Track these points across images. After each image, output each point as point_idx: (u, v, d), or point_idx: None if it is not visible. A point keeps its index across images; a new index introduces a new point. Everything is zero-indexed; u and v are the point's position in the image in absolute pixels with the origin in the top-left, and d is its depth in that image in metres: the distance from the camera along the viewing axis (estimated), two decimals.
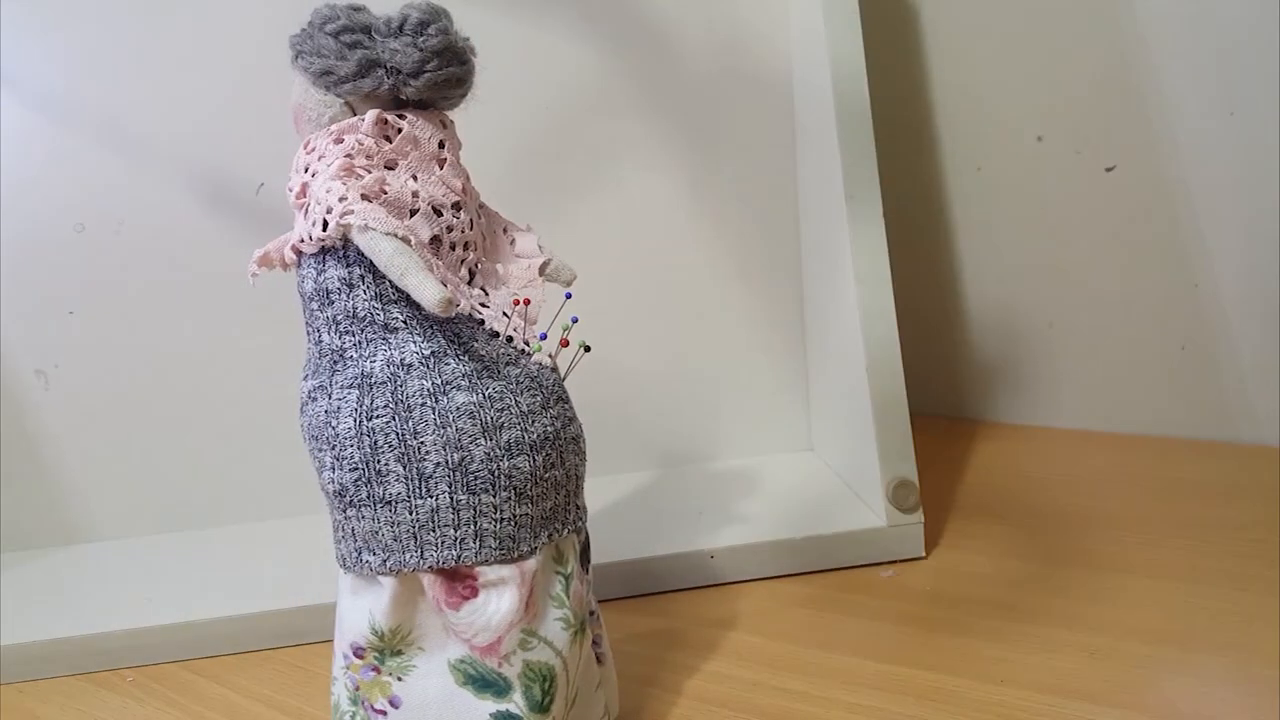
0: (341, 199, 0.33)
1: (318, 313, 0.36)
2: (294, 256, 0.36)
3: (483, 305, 0.36)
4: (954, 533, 0.58)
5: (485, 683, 0.35)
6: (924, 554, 0.55)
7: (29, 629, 0.53)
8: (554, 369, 0.38)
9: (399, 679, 0.36)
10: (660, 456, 0.71)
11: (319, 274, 0.35)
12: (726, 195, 0.69)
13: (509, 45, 0.65)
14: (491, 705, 0.35)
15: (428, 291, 0.32)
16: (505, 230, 0.40)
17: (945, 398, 0.84)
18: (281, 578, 0.57)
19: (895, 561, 0.55)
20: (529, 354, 0.37)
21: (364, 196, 0.34)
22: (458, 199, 0.37)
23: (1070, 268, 0.75)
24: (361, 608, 0.36)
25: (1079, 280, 0.75)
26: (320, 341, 0.36)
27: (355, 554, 0.35)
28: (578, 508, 0.38)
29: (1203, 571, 0.50)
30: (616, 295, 0.67)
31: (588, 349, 0.38)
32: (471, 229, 0.37)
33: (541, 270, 0.39)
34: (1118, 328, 0.73)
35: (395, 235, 0.33)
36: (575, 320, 0.38)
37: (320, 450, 0.35)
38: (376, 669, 0.36)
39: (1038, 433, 0.77)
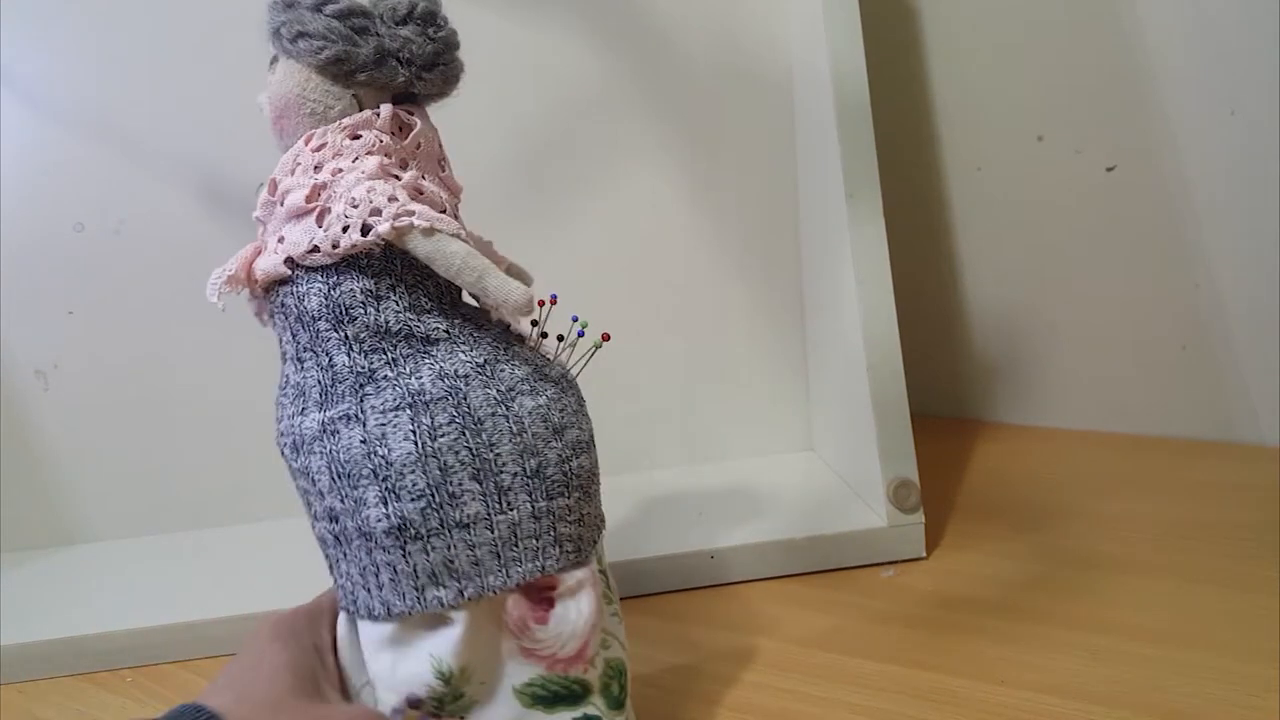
0: (392, 199, 0.30)
1: (329, 333, 0.32)
2: (285, 271, 0.32)
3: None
4: (955, 533, 0.58)
5: (557, 697, 0.33)
6: (925, 554, 0.55)
7: (29, 629, 0.53)
8: (568, 370, 0.36)
9: (461, 718, 0.33)
10: (660, 456, 0.71)
11: (331, 288, 0.31)
12: (726, 195, 0.69)
13: (509, 45, 0.65)
14: (566, 715, 0.33)
15: (513, 293, 0.30)
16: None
17: (946, 398, 0.84)
18: (281, 578, 0.57)
19: (896, 562, 0.55)
20: (557, 354, 0.36)
21: (410, 197, 0.31)
22: (457, 201, 0.35)
23: (1070, 268, 0.75)
24: (416, 655, 0.32)
25: (1079, 280, 0.74)
26: (331, 365, 0.32)
27: (417, 593, 0.31)
28: (600, 505, 0.37)
29: (1203, 571, 0.50)
30: (616, 295, 0.67)
31: (604, 342, 0.38)
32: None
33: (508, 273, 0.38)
34: (1118, 328, 0.73)
35: (460, 236, 0.31)
36: (576, 319, 0.38)
37: (356, 487, 0.31)
38: (436, 715, 0.32)
39: (1038, 433, 0.77)
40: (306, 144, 0.32)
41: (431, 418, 0.31)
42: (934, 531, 0.57)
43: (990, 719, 0.39)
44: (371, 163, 0.31)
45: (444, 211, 0.32)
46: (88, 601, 0.58)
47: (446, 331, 0.32)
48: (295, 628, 0.34)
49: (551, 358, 0.36)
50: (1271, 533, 0.53)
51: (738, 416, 0.71)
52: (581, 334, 0.37)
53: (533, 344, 0.36)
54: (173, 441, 0.68)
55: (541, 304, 0.35)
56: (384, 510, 0.31)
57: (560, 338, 0.37)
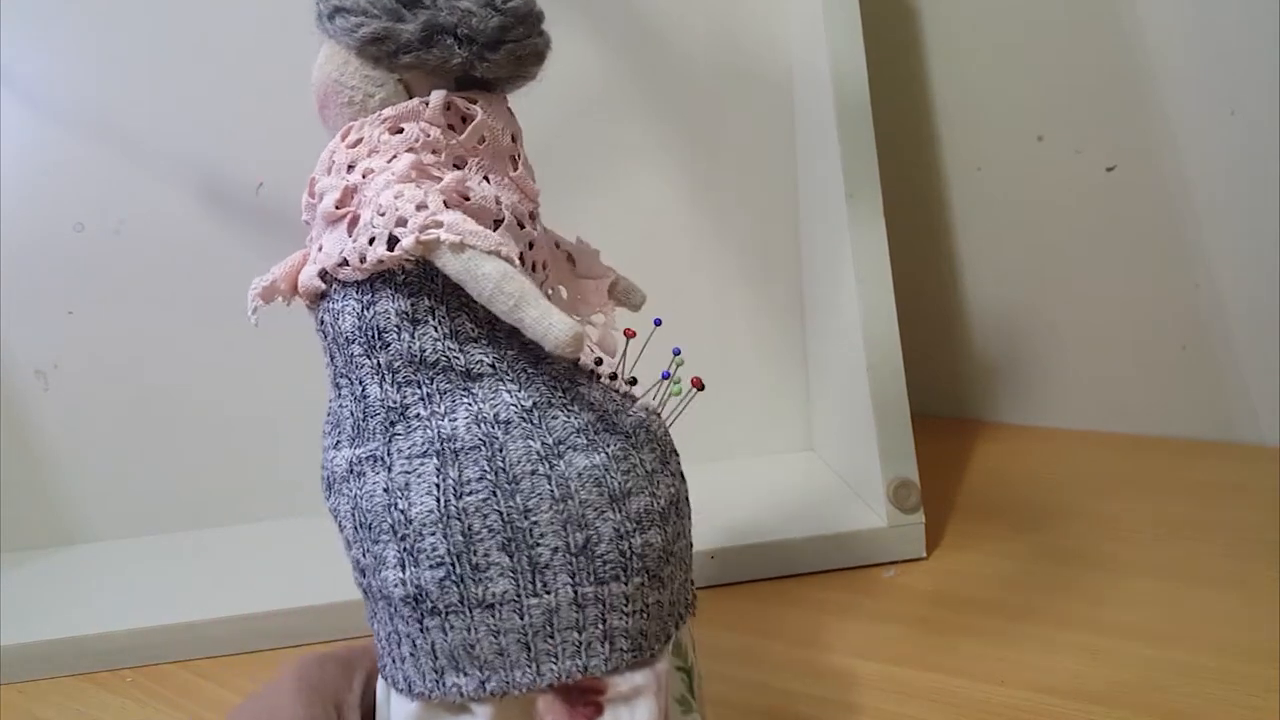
0: (421, 207, 0.26)
1: (361, 358, 0.27)
2: (320, 285, 0.27)
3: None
4: (955, 533, 0.58)
5: None
6: (925, 554, 0.55)
7: (29, 629, 0.53)
8: (657, 413, 0.30)
9: None
10: None
11: (365, 308, 0.26)
12: (726, 195, 0.69)
13: None
14: None
15: (554, 327, 0.25)
16: (558, 245, 0.33)
17: (946, 398, 0.83)
18: (281, 578, 0.57)
19: (896, 562, 0.55)
20: (639, 395, 0.30)
21: (445, 204, 0.26)
22: (534, 206, 0.30)
23: (1070, 268, 0.75)
24: None
25: (1079, 280, 0.74)
26: (364, 396, 0.27)
27: (435, 675, 0.26)
28: (691, 585, 0.30)
29: (1203, 571, 0.50)
30: None
31: (701, 388, 0.31)
32: (542, 246, 0.30)
33: (610, 292, 0.32)
34: (1118, 328, 0.73)
35: (499, 254, 0.26)
36: (678, 352, 0.31)
37: (376, 542, 0.26)
38: None
39: (1038, 433, 0.77)
40: (343, 139, 0.28)
41: (460, 470, 0.26)
42: (934, 531, 0.57)
43: (990, 719, 0.40)
44: (405, 162, 0.26)
45: (500, 221, 0.27)
46: (88, 601, 0.58)
47: (493, 365, 0.27)
48: (322, 681, 0.31)
49: (637, 399, 0.30)
50: (1271, 533, 0.53)
51: (738, 416, 0.71)
52: (666, 375, 0.30)
53: (615, 384, 0.29)
54: (173, 441, 0.68)
55: (628, 335, 0.30)
56: (401, 575, 0.26)
57: (634, 380, 0.30)
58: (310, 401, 0.72)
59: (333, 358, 0.28)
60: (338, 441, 0.27)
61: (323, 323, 0.28)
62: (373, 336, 0.26)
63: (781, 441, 0.72)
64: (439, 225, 0.25)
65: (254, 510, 0.68)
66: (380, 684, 0.29)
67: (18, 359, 0.67)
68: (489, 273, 0.25)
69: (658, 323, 0.31)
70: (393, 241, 0.25)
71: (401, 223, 0.25)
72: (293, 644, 0.52)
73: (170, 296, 0.66)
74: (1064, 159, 0.73)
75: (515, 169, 0.29)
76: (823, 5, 0.59)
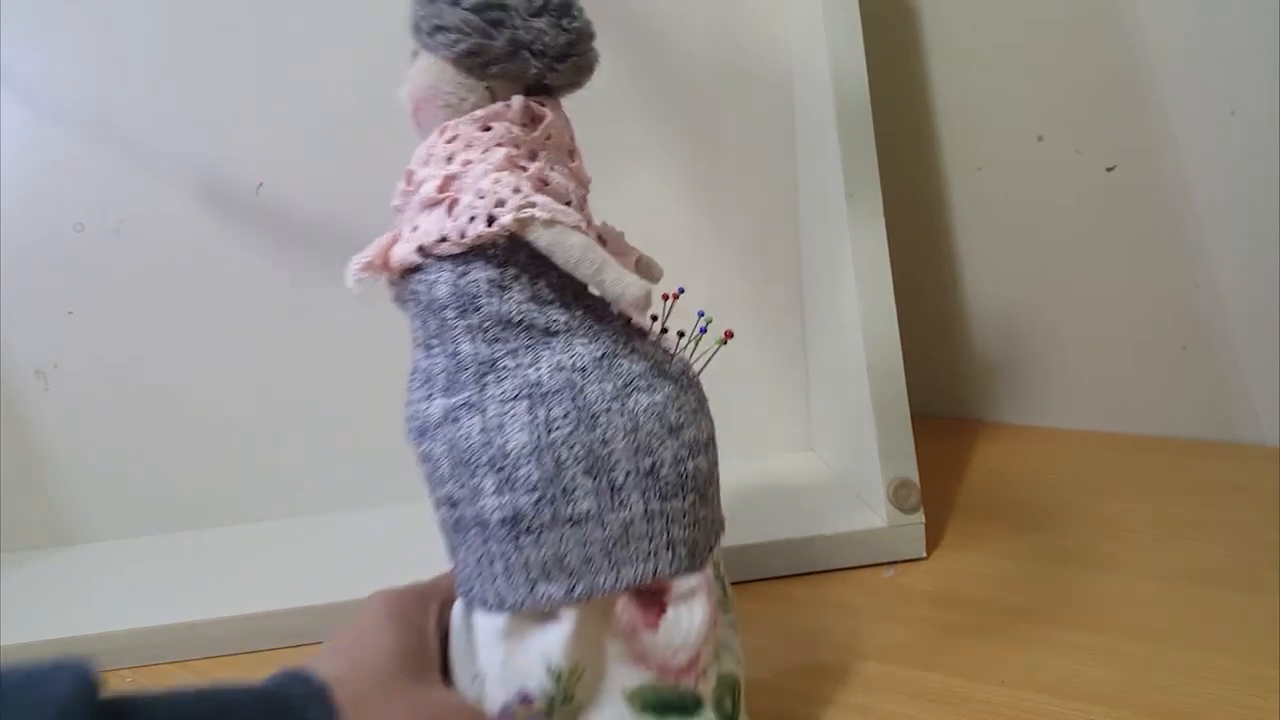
0: (516, 191, 0.30)
1: (455, 320, 0.32)
2: (417, 259, 0.32)
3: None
4: (955, 533, 0.58)
5: (668, 706, 0.32)
6: (925, 554, 0.55)
7: (29, 629, 0.53)
8: (691, 366, 0.35)
9: None
10: None
11: (459, 277, 0.31)
12: (726, 195, 0.69)
13: None
14: None
15: (629, 287, 0.30)
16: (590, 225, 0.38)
17: (946, 398, 0.84)
18: (281, 578, 0.57)
19: (896, 562, 0.55)
20: (678, 350, 0.35)
21: (534, 189, 0.31)
22: (585, 192, 0.35)
23: (1070, 268, 0.75)
24: (527, 651, 0.31)
25: (1079, 280, 0.75)
26: (457, 353, 0.32)
27: (528, 587, 0.31)
28: (720, 508, 0.36)
29: (1203, 571, 0.50)
30: None
31: (729, 339, 0.37)
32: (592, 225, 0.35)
33: (635, 266, 0.37)
34: (1118, 328, 0.73)
35: (580, 229, 0.31)
36: (702, 314, 0.37)
37: (474, 475, 0.31)
38: (547, 717, 0.32)
39: (1038, 433, 0.77)
40: (440, 135, 0.33)
41: (548, 409, 0.30)
42: (934, 531, 0.57)
43: (990, 719, 0.40)
44: (499, 154, 0.31)
45: (569, 203, 0.32)
46: (88, 601, 0.58)
47: (566, 324, 0.32)
48: (406, 608, 0.34)
49: (674, 354, 0.35)
50: (1271, 533, 0.53)
51: (738, 416, 0.71)
52: (704, 330, 0.36)
53: (655, 339, 0.35)
54: (173, 441, 0.68)
55: (666, 298, 0.35)
56: (499, 500, 0.31)
57: (681, 333, 0.36)
58: (310, 401, 0.73)
59: (424, 322, 0.32)
60: (430, 394, 0.32)
61: (414, 292, 0.32)
62: (465, 302, 0.31)
63: (781, 441, 0.72)
64: (533, 205, 0.30)
65: (254, 510, 0.68)
66: (457, 610, 0.34)
67: (18, 359, 0.67)
68: (575, 243, 0.30)
69: (681, 291, 0.37)
70: (490, 220, 0.30)
71: (500, 204, 0.30)
72: (293, 644, 0.52)
73: (170, 296, 0.66)
74: (1064, 159, 0.73)
75: (574, 160, 0.34)
76: (823, 5, 0.59)
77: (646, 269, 0.37)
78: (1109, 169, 0.71)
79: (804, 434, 0.72)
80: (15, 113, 0.64)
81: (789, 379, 0.71)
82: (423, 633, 0.33)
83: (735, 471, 0.69)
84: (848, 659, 0.45)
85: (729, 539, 0.55)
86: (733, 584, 0.54)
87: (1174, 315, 0.70)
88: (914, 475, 0.55)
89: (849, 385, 0.60)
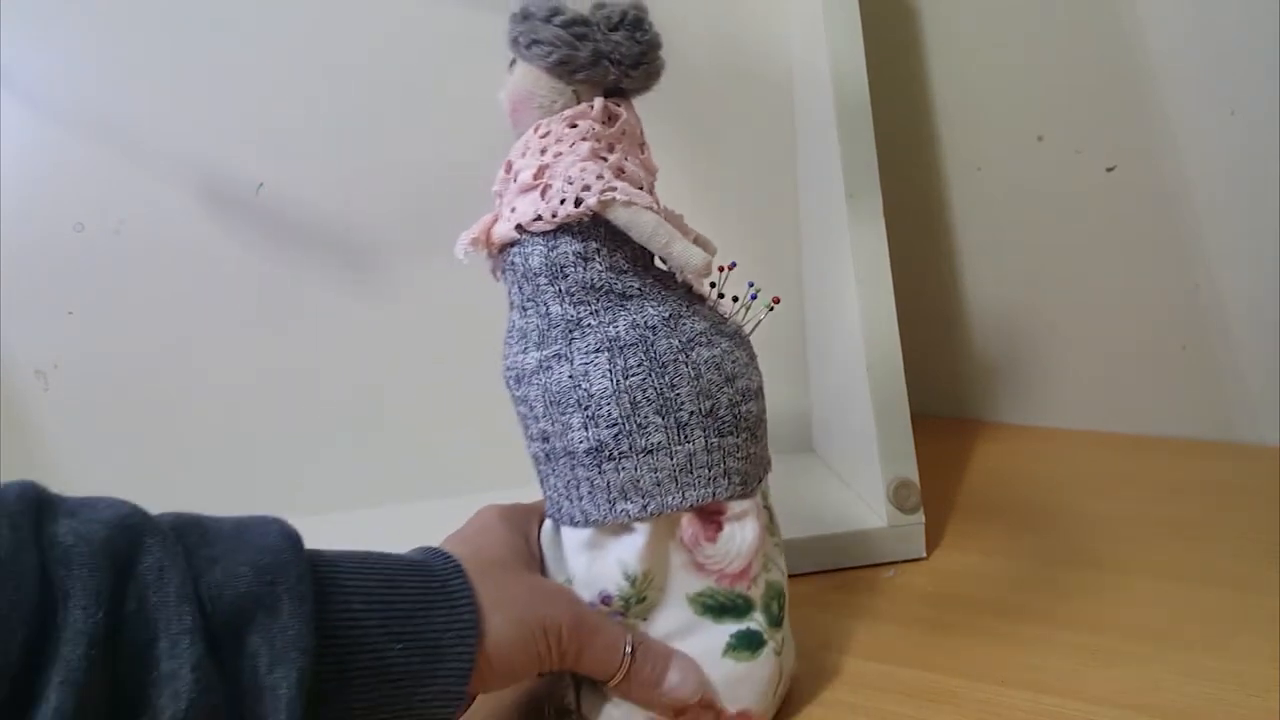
0: (600, 177, 0.36)
1: (546, 286, 0.37)
2: (515, 235, 0.38)
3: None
4: (955, 533, 0.58)
5: (724, 609, 0.38)
6: (925, 554, 0.55)
7: None
8: (743, 328, 0.42)
9: (643, 620, 0.38)
10: None
11: (550, 249, 0.37)
12: (726, 195, 0.69)
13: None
14: (732, 626, 0.38)
15: (694, 258, 0.36)
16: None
17: (946, 398, 0.84)
18: None
19: (896, 562, 0.55)
20: (731, 314, 0.42)
21: (614, 176, 0.37)
22: (653, 180, 0.40)
23: (1070, 268, 0.75)
24: (608, 559, 0.38)
25: (1079, 280, 0.75)
26: (548, 313, 0.37)
27: (609, 505, 0.37)
28: (767, 448, 0.42)
29: (1203, 571, 0.50)
30: None
31: (770, 307, 0.43)
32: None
33: (695, 242, 0.42)
34: (1118, 328, 0.73)
35: (652, 209, 0.37)
36: (752, 284, 0.43)
37: (564, 413, 0.37)
38: (623, 614, 0.38)
39: (1038, 433, 0.77)
40: (535, 132, 0.38)
41: (625, 360, 0.36)
42: (934, 532, 0.57)
43: (990, 719, 0.40)
44: (585, 147, 0.37)
45: (641, 188, 0.38)
46: None
47: (639, 289, 0.38)
48: (514, 516, 0.41)
49: (728, 317, 0.41)
50: (1271, 533, 0.53)
51: None
52: (754, 297, 0.42)
53: (712, 303, 0.41)
54: (173, 442, 0.68)
55: (721, 269, 0.41)
56: (585, 434, 0.37)
57: (735, 299, 0.42)
58: (311, 402, 0.73)
59: (520, 288, 0.38)
60: (525, 348, 0.38)
61: (512, 263, 0.38)
62: (556, 270, 0.37)
63: (781, 441, 0.71)
64: (614, 189, 0.36)
65: (254, 510, 0.68)
66: (547, 528, 0.41)
67: (18, 359, 0.67)
68: (648, 220, 0.36)
69: (733, 265, 0.43)
70: (578, 201, 0.36)
71: (586, 188, 0.36)
72: None
73: (170, 296, 0.66)
74: (1064, 159, 0.73)
75: (644, 152, 0.40)
76: (823, 5, 0.59)
77: (705, 244, 0.43)
78: (1109, 169, 0.71)
79: (804, 434, 0.72)
80: (15, 113, 0.64)
81: (789, 379, 0.71)
82: (529, 537, 0.41)
83: None
84: (848, 659, 0.45)
85: None
86: None
87: (1174, 315, 0.70)
88: (914, 475, 0.55)
89: (849, 385, 0.60)
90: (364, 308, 0.68)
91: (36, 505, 0.26)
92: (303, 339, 0.68)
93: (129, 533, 0.27)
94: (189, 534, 0.30)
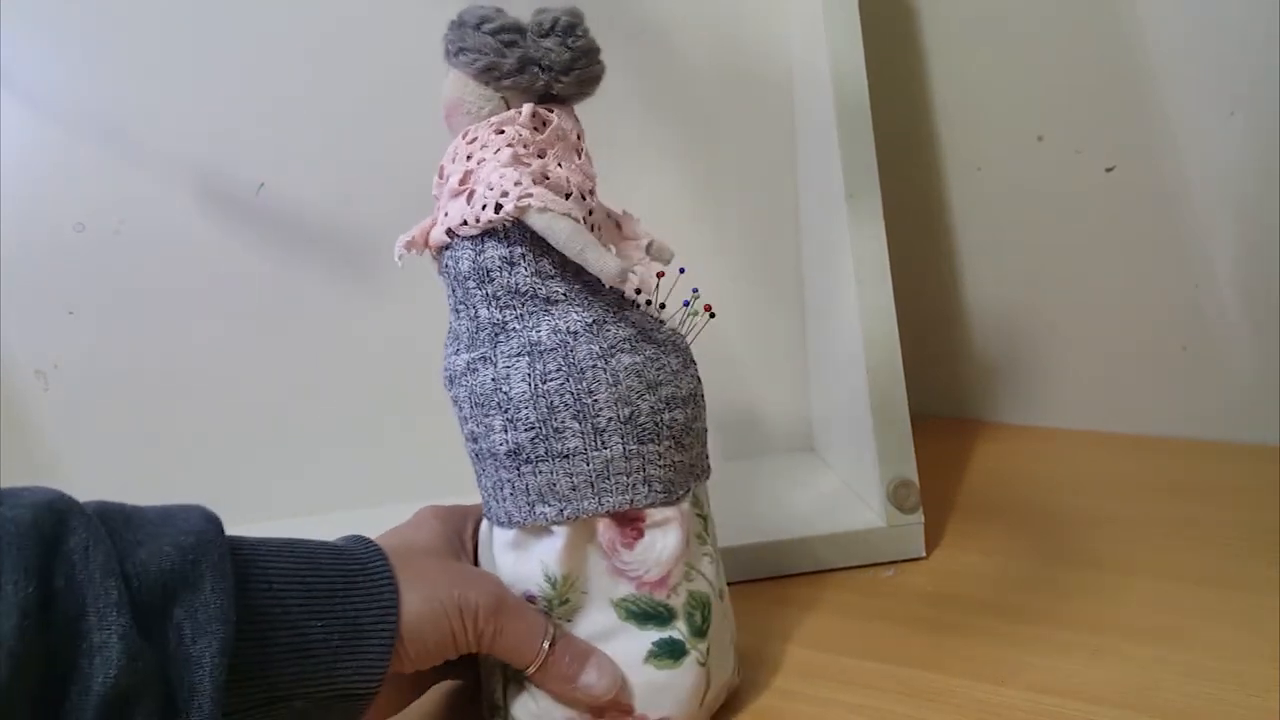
0: (517, 183, 0.36)
1: (474, 290, 0.38)
2: (445, 239, 0.38)
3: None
4: (954, 533, 0.58)
5: (647, 616, 0.39)
6: (924, 554, 0.55)
7: None
8: (681, 335, 0.42)
9: (567, 621, 0.39)
10: None
11: (477, 254, 0.38)
12: (726, 195, 0.69)
13: None
14: (654, 634, 0.39)
15: (608, 264, 0.36)
16: (609, 215, 0.44)
17: (946, 398, 0.84)
18: None
19: (895, 562, 0.55)
20: (667, 320, 0.42)
21: (534, 181, 0.37)
22: (592, 186, 0.41)
23: (1070, 268, 0.75)
24: (530, 559, 0.38)
25: (1079, 280, 0.75)
26: (477, 317, 0.38)
27: (528, 508, 0.38)
28: (707, 457, 0.42)
29: (1203, 571, 0.50)
30: None
31: (713, 315, 0.43)
32: (599, 213, 0.42)
33: (647, 250, 0.44)
34: (1118, 328, 0.73)
35: (570, 216, 0.37)
36: (696, 291, 0.43)
37: (487, 415, 0.38)
38: (547, 615, 0.38)
39: (1038, 433, 0.77)
40: (463, 138, 0.39)
41: (544, 365, 0.37)
42: (934, 531, 0.57)
43: (990, 719, 0.40)
44: (507, 153, 0.37)
45: (569, 195, 0.38)
46: None
47: (564, 294, 0.38)
48: (449, 515, 0.43)
49: (665, 323, 0.41)
50: (1271, 533, 0.53)
51: (738, 416, 0.71)
52: (687, 304, 0.42)
53: (655, 312, 0.41)
54: (173, 442, 0.68)
55: (660, 275, 0.41)
56: (505, 436, 0.37)
57: (663, 305, 0.42)
58: (311, 401, 0.73)
59: (453, 291, 0.39)
60: (457, 349, 0.39)
61: (446, 266, 0.39)
62: (482, 274, 0.37)
63: (781, 441, 0.72)
64: (530, 196, 0.36)
65: (255, 510, 0.68)
66: (483, 527, 0.41)
67: (18, 359, 0.67)
68: (563, 227, 0.36)
69: (682, 271, 0.43)
70: (498, 207, 0.36)
71: (504, 194, 0.36)
72: None
73: (170, 296, 0.66)
74: (1064, 159, 0.73)
75: (579, 158, 0.40)
76: (823, 5, 0.59)
77: (659, 251, 0.44)
78: (1109, 169, 0.71)
79: (804, 434, 0.72)
80: (15, 113, 0.64)
81: (789, 379, 0.71)
82: (461, 536, 0.42)
83: (735, 471, 0.70)
84: (848, 659, 0.45)
85: (729, 538, 0.55)
86: (732, 584, 0.55)
87: (1174, 315, 0.70)
88: (913, 475, 0.55)
89: (849, 385, 0.60)
90: (364, 308, 0.68)
91: None
92: (302, 339, 0.68)
93: (55, 515, 0.28)
94: (113, 519, 0.31)
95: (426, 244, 0.39)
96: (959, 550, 0.56)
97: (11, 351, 0.67)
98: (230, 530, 0.34)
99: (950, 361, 0.83)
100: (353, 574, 0.35)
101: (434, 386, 0.67)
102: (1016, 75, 0.74)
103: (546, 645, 0.37)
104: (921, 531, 0.55)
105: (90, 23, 0.64)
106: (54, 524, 0.28)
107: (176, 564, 0.30)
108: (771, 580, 0.54)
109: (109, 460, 0.68)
